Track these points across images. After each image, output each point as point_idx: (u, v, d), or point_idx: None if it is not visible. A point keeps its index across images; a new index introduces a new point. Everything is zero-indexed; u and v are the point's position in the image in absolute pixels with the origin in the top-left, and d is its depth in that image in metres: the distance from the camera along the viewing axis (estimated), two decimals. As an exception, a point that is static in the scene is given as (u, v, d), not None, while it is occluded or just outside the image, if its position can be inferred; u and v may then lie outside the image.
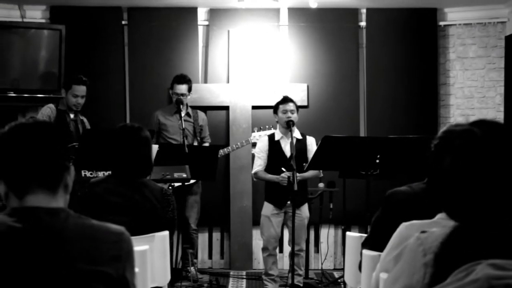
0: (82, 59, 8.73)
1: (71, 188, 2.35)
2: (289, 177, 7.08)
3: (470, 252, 1.94)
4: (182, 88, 8.08)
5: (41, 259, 2.14)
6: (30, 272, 2.13)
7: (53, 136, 2.29)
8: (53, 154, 2.26)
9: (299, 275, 7.58)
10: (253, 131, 8.05)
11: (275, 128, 7.70)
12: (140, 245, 3.99)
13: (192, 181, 7.19)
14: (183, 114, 7.94)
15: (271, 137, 7.57)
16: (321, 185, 8.33)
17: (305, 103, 8.88)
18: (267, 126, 7.85)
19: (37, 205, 2.22)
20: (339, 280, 8.13)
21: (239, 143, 8.09)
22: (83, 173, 6.53)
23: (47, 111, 7.62)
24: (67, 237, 2.20)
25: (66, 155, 2.32)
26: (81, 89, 7.67)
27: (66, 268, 2.15)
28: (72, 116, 7.68)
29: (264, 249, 7.61)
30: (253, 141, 7.89)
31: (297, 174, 7.09)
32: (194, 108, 8.45)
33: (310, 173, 7.48)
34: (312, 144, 7.54)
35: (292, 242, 7.21)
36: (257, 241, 8.94)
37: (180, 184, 6.97)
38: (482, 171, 2.11)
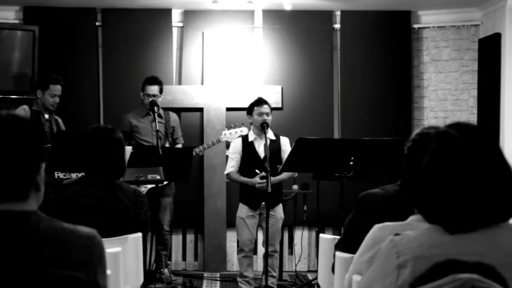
0: (55, 60, 8.66)
1: (43, 187, 2.30)
2: (264, 177, 7.06)
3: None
4: (154, 89, 8.04)
5: (12, 263, 2.11)
6: (1, 276, 2.10)
7: (26, 135, 2.22)
8: (24, 158, 2.20)
9: (273, 276, 7.55)
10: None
11: (245, 126, 7.70)
12: (113, 247, 3.97)
13: (164, 182, 7.16)
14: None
15: (245, 138, 7.55)
16: (295, 187, 8.33)
17: (279, 105, 8.89)
18: (237, 124, 7.82)
19: (8, 209, 2.18)
20: (312, 282, 8.14)
21: (210, 142, 8.03)
22: (56, 175, 6.49)
23: (21, 113, 7.52)
24: (38, 240, 2.16)
25: (39, 156, 2.26)
26: (59, 88, 7.65)
27: (37, 272, 2.12)
28: (47, 116, 7.63)
29: (240, 250, 7.59)
30: (223, 139, 7.84)
31: (271, 178, 7.10)
32: (168, 109, 8.43)
33: (285, 175, 7.47)
34: (286, 145, 7.53)
35: (266, 243, 7.20)
36: (231, 243, 8.94)
37: (153, 186, 6.95)
38: (458, 173, 2.12)
